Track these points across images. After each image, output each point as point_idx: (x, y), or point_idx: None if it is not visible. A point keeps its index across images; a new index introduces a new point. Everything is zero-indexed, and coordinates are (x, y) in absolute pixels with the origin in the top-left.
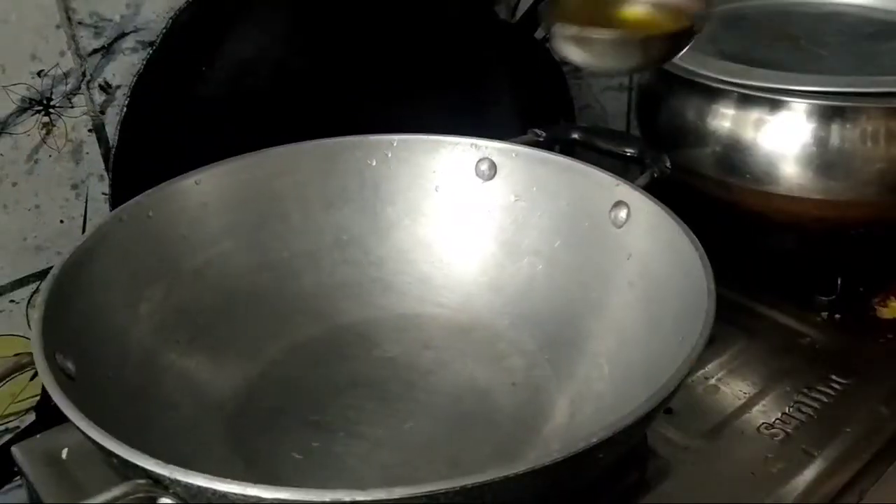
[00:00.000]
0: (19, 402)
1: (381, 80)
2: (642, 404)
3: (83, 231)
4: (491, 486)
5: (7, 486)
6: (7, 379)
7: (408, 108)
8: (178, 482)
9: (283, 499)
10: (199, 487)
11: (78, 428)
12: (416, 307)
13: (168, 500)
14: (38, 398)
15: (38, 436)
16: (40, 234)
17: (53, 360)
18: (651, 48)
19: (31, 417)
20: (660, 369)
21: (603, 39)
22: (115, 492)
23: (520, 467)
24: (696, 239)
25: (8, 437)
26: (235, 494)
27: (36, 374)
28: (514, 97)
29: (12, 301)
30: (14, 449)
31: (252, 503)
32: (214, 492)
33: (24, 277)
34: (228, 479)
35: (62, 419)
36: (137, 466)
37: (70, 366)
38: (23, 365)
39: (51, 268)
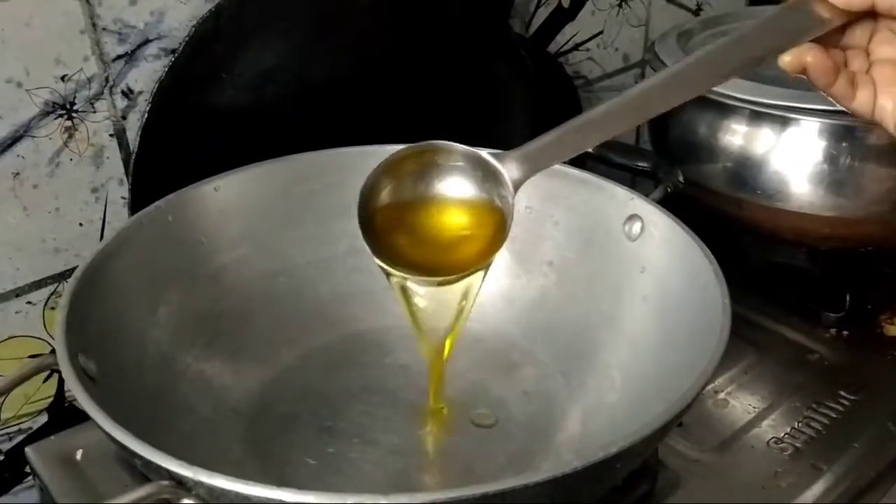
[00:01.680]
0: (32, 403)
1: (397, 91)
2: (660, 414)
3: (101, 234)
4: (512, 493)
5: (17, 488)
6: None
7: (423, 119)
8: (201, 484)
9: (306, 502)
10: (222, 490)
11: (101, 429)
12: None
13: (190, 502)
14: (51, 399)
15: (52, 437)
16: (59, 236)
17: (77, 362)
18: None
19: (44, 418)
20: (672, 382)
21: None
22: (140, 492)
23: (540, 476)
24: (711, 253)
25: (20, 437)
26: (259, 497)
27: (49, 376)
28: (527, 110)
29: (29, 302)
30: (28, 450)
31: None
32: (237, 494)
33: (41, 279)
34: (252, 482)
35: (74, 420)
36: (161, 468)
37: (92, 367)
38: (45, 366)
39: (69, 270)
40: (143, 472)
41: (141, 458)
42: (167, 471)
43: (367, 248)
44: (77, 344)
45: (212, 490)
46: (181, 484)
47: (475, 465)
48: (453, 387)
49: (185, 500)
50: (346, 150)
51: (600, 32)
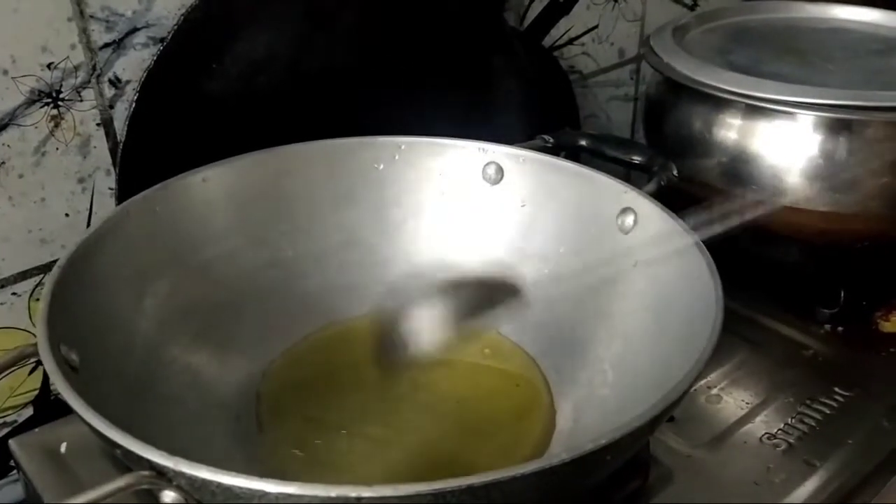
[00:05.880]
0: (17, 395)
1: (390, 83)
2: (652, 406)
3: (88, 225)
4: (498, 485)
5: (2, 482)
6: (8, 371)
7: (416, 111)
8: (182, 474)
9: (288, 493)
10: (203, 480)
11: (82, 418)
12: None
13: (171, 493)
14: (36, 392)
15: (36, 430)
16: (45, 227)
17: (58, 351)
18: None
19: (29, 412)
20: (665, 376)
21: None
22: (119, 482)
23: (528, 467)
24: (704, 247)
25: (5, 430)
26: (240, 488)
27: (35, 369)
28: (521, 104)
29: (14, 294)
30: (12, 442)
31: (257, 498)
32: (219, 485)
33: (27, 270)
34: (233, 473)
35: (60, 413)
36: (142, 458)
37: (74, 357)
38: (26, 355)
39: (55, 261)
40: (125, 463)
41: (121, 447)
42: (148, 461)
43: (356, 240)
44: (59, 333)
45: (193, 481)
46: (162, 474)
47: (464, 458)
48: (444, 379)
49: (167, 492)
50: (337, 141)
51: (595, 27)
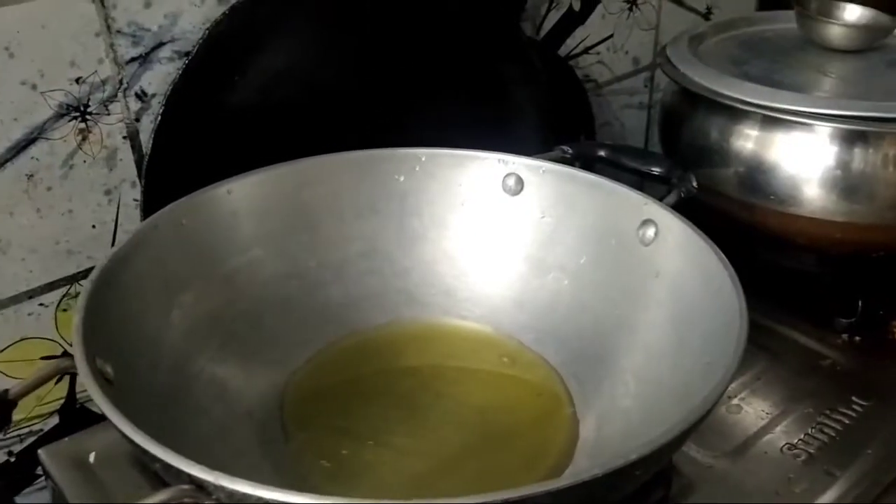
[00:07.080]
0: (44, 404)
1: (408, 94)
2: (680, 421)
3: (114, 237)
4: (532, 500)
5: (28, 489)
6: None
7: (433, 121)
8: (222, 488)
9: None
10: (243, 494)
11: (121, 432)
12: (440, 319)
13: None
14: (62, 401)
15: (65, 439)
16: (72, 238)
17: (94, 364)
18: None
19: (55, 420)
20: (688, 388)
21: None
22: (160, 497)
23: (561, 482)
24: (727, 259)
25: (32, 439)
26: (280, 503)
27: (61, 378)
28: (537, 113)
29: (42, 304)
30: (41, 452)
31: None
32: (259, 499)
33: (54, 281)
34: (273, 487)
35: (86, 422)
36: (181, 472)
37: (109, 370)
38: (62, 369)
39: (81, 272)
40: (162, 475)
41: (162, 462)
42: (188, 475)
43: (377, 251)
44: (94, 347)
45: (233, 494)
46: (201, 488)
47: (489, 468)
48: (466, 389)
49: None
50: (358, 153)
51: (610, 36)
